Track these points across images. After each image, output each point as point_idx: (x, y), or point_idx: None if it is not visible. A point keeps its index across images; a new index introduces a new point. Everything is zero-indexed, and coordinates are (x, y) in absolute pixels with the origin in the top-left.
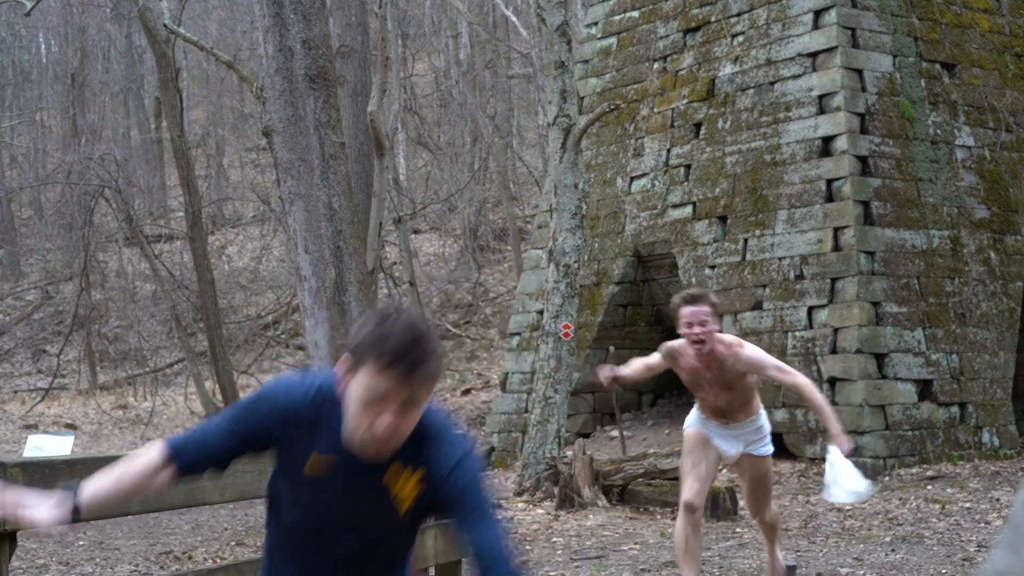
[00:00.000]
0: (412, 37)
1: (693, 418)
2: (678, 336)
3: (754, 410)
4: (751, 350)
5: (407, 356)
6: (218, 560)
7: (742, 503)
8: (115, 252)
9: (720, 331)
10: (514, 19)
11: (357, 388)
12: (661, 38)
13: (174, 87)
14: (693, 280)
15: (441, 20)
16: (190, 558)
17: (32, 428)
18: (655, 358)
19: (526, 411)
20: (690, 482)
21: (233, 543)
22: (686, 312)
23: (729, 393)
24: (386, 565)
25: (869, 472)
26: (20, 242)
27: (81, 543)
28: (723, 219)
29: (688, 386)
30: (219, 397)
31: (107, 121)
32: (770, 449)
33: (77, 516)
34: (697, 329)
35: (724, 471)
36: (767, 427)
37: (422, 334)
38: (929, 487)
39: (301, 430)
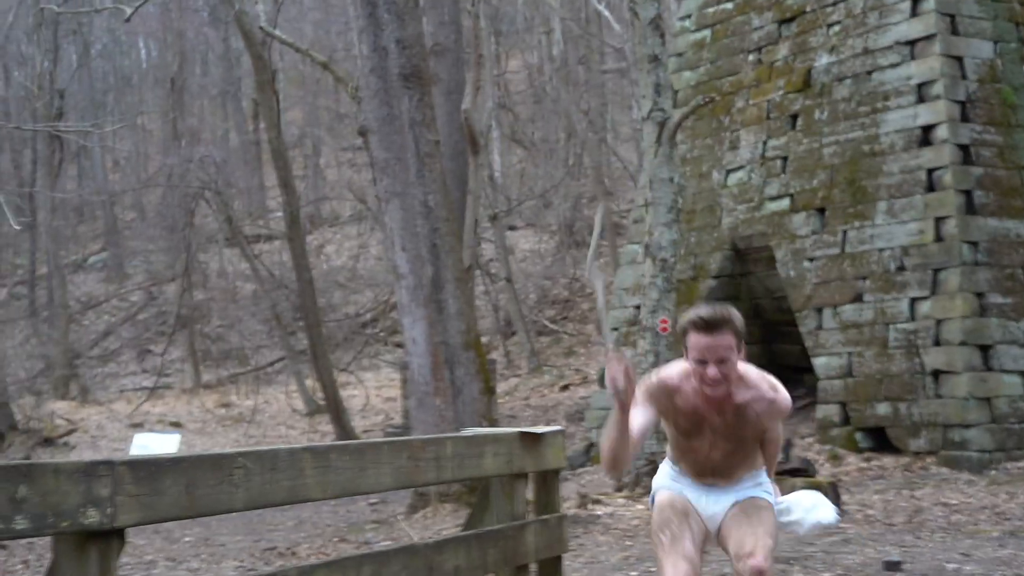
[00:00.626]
0: (505, 34)
1: (664, 475)
2: (698, 359)
3: (757, 464)
4: (786, 397)
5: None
6: (321, 556)
7: (845, 497)
8: (216, 253)
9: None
10: (607, 14)
11: None
12: (755, 29)
13: (271, 89)
14: (792, 273)
15: (534, 16)
16: (294, 554)
17: (138, 427)
18: (642, 413)
19: None
20: (672, 564)
21: (336, 539)
22: (700, 343)
23: (733, 446)
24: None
25: (975, 466)
26: (124, 244)
27: (187, 539)
28: (821, 211)
29: (675, 432)
30: (320, 395)
31: (206, 124)
32: (768, 496)
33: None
34: (713, 371)
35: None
36: (768, 485)
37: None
38: None
39: None
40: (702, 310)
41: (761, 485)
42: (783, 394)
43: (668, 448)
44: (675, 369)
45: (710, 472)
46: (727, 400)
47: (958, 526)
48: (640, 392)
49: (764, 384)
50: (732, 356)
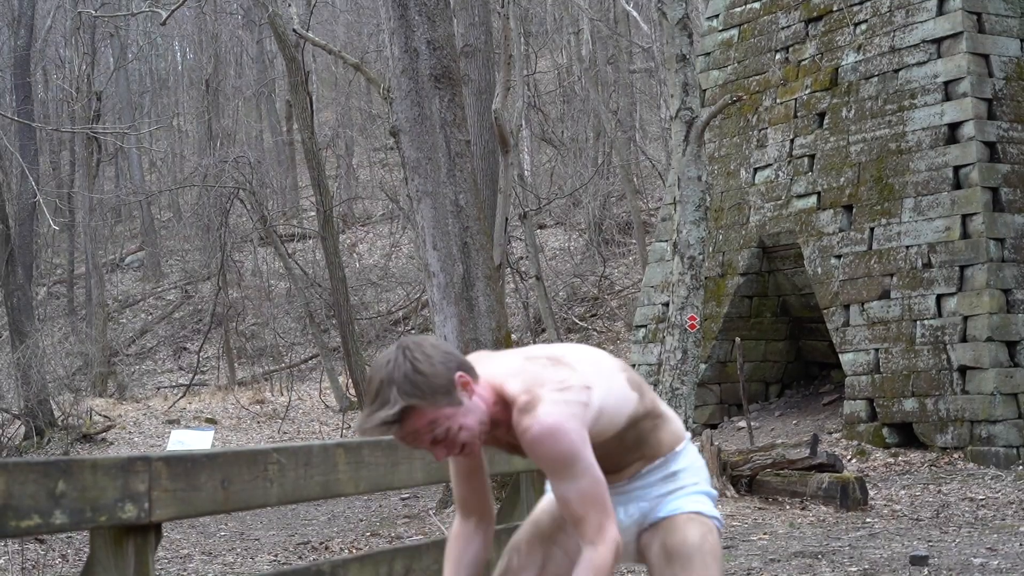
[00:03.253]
0: (535, 35)
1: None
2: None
3: (656, 453)
4: (539, 423)
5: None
6: (354, 550)
7: (872, 492)
8: (250, 252)
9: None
10: (635, 14)
11: None
12: (783, 28)
13: (304, 90)
14: (819, 270)
15: (563, 17)
16: (327, 548)
17: (174, 423)
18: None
19: None
20: None
21: (368, 533)
22: (400, 441)
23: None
24: None
25: (1002, 461)
26: (160, 244)
27: (222, 534)
28: (848, 208)
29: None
30: (352, 392)
31: (240, 125)
32: (699, 504)
33: None
34: (440, 453)
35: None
36: (693, 473)
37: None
38: None
39: None
40: (367, 391)
41: (676, 478)
42: (533, 421)
43: None
44: None
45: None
46: (494, 441)
47: (984, 521)
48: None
49: (515, 410)
50: (442, 427)
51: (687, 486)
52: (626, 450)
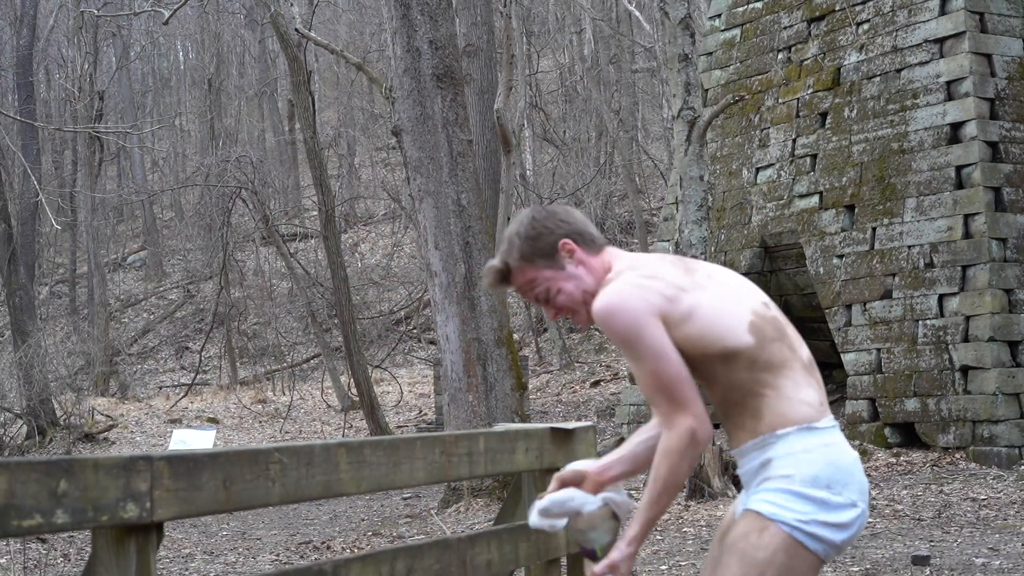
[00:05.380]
0: (536, 34)
1: None
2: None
3: (757, 429)
4: (601, 301)
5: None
6: (356, 550)
7: (874, 492)
8: (252, 251)
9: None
10: (637, 14)
11: None
12: (785, 28)
13: (306, 90)
14: (821, 270)
15: (565, 17)
16: (328, 548)
17: (176, 423)
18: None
19: None
20: None
21: (369, 533)
22: (501, 285)
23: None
24: None
25: (1004, 461)
26: (162, 243)
27: (224, 533)
28: (850, 208)
29: None
30: (354, 391)
31: (243, 124)
32: (770, 502)
33: None
34: (551, 312)
35: None
36: (790, 463)
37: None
38: None
39: None
40: (494, 261)
41: (768, 468)
42: (600, 298)
43: None
44: None
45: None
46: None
47: (986, 521)
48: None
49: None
50: (541, 286)
51: (773, 478)
52: (729, 405)
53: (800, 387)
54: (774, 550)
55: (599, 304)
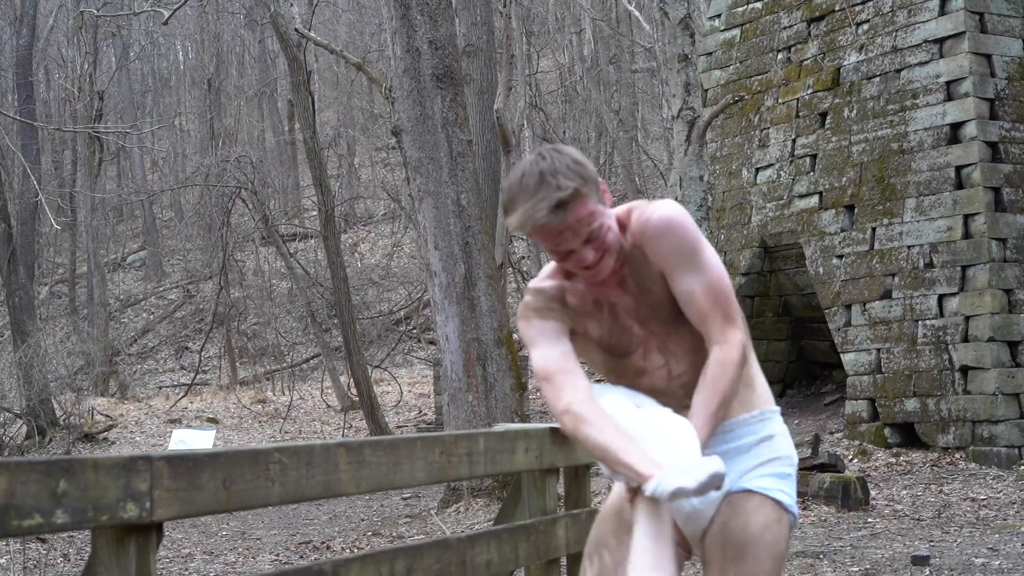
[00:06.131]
0: (536, 35)
1: None
2: (561, 251)
3: (753, 401)
4: (659, 209)
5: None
6: (355, 550)
7: (873, 492)
8: (252, 251)
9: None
10: (637, 14)
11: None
12: (785, 28)
13: (306, 90)
14: (821, 270)
15: (564, 17)
16: (328, 548)
17: (176, 423)
18: (552, 339)
19: None
20: None
21: (369, 533)
22: (552, 233)
23: (667, 335)
24: None
25: (1004, 461)
26: (162, 243)
27: (224, 533)
28: (850, 208)
29: (601, 355)
30: (354, 391)
31: (242, 124)
32: (785, 492)
33: None
34: (589, 255)
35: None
36: (787, 443)
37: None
38: None
39: None
40: (527, 184)
41: (772, 445)
42: (659, 208)
43: None
44: (545, 271)
45: (678, 402)
46: (621, 266)
47: (986, 521)
48: (529, 319)
49: (636, 211)
50: (598, 221)
51: (781, 459)
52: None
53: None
54: (787, 538)
55: (662, 214)
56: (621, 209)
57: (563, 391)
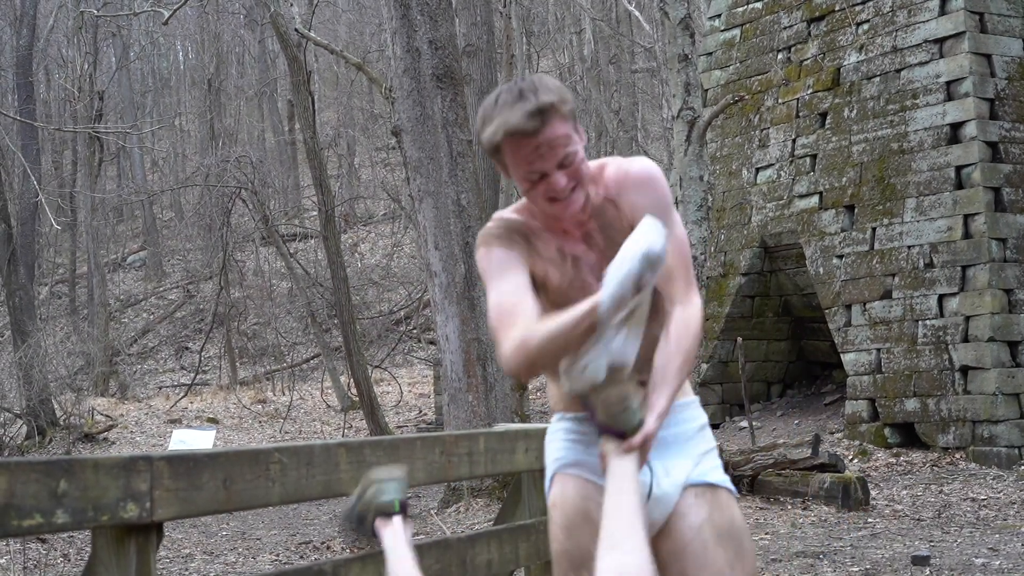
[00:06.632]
0: (536, 35)
1: (558, 447)
2: (531, 173)
3: (686, 387)
4: (643, 162)
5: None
6: (355, 550)
7: (874, 492)
8: (252, 251)
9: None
10: (637, 14)
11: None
12: (785, 28)
13: (306, 90)
14: (821, 270)
15: (564, 17)
16: (328, 548)
17: (176, 423)
18: (518, 274)
19: None
20: None
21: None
22: (525, 150)
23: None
24: None
25: (1004, 461)
26: (162, 243)
27: (224, 533)
28: (850, 208)
29: (554, 309)
30: (354, 391)
31: (242, 124)
32: (731, 482)
33: None
34: (560, 180)
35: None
36: (711, 432)
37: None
38: None
39: None
40: (504, 99)
41: (706, 435)
42: (637, 161)
43: (548, 389)
44: (512, 207)
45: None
46: (588, 218)
47: (986, 521)
48: (491, 246)
49: (611, 165)
50: (572, 147)
51: (715, 448)
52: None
53: None
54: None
55: (642, 166)
56: (593, 163)
57: (514, 328)
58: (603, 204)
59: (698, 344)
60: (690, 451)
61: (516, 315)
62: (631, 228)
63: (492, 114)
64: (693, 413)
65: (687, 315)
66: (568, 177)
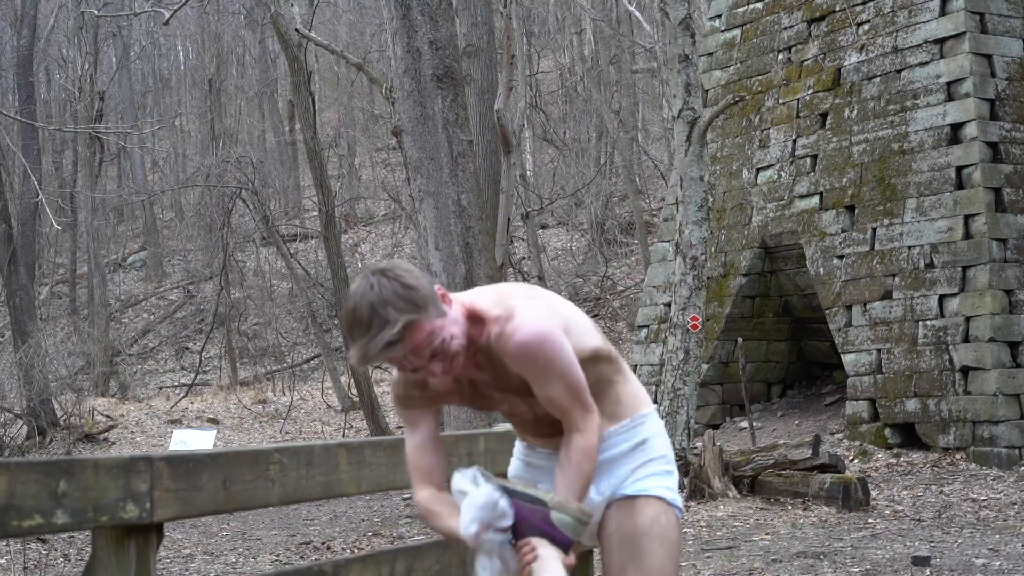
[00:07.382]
0: (537, 35)
1: (512, 464)
2: (410, 371)
3: (621, 413)
4: (520, 326)
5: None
6: (356, 550)
7: (874, 492)
8: (252, 252)
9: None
10: (637, 14)
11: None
12: (785, 28)
13: (306, 90)
14: (821, 271)
15: (565, 17)
16: (329, 548)
17: (176, 423)
18: (416, 431)
19: (655, 403)
20: None
21: (370, 533)
22: (396, 358)
23: (533, 395)
24: None
25: (1004, 462)
26: (163, 244)
27: (224, 534)
28: (851, 209)
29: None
30: (354, 392)
31: (243, 125)
32: (667, 488)
33: None
34: (437, 368)
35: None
36: (662, 442)
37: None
38: None
39: None
40: (357, 330)
41: (646, 448)
42: (518, 332)
43: None
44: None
45: (547, 434)
46: (474, 354)
47: (987, 521)
48: (397, 406)
49: (494, 324)
50: (439, 338)
51: (656, 459)
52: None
53: (631, 375)
54: (676, 528)
55: (525, 335)
56: (479, 301)
57: (416, 486)
58: (489, 345)
59: (594, 466)
60: (617, 471)
61: (416, 473)
62: (518, 374)
63: (352, 333)
64: (626, 436)
65: (586, 444)
66: (443, 360)
